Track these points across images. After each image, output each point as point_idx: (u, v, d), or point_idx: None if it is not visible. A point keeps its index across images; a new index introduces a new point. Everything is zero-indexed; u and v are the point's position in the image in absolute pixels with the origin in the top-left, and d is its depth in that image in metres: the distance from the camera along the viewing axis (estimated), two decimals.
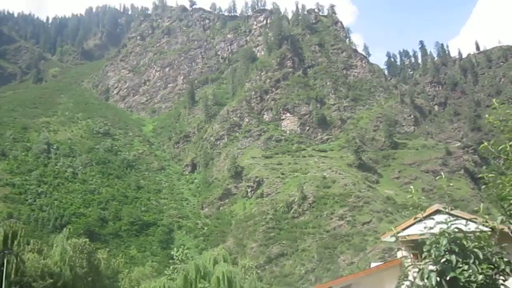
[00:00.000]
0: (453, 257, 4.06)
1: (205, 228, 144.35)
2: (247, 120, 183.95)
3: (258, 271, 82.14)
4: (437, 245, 4.17)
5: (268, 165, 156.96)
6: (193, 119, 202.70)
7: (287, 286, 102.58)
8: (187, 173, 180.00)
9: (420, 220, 4.88)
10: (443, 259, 4.09)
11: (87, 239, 56.63)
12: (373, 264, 36.52)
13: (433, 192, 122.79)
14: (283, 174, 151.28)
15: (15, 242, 39.49)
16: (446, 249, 4.13)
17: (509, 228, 4.72)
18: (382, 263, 38.70)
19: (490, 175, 5.03)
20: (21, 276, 37.77)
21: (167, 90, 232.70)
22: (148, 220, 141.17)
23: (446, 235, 4.25)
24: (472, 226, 4.46)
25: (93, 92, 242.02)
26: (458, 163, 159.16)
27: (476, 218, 4.65)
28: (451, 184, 4.75)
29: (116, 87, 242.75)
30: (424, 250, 4.28)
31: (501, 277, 4.32)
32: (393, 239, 28.16)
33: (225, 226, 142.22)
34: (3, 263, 28.51)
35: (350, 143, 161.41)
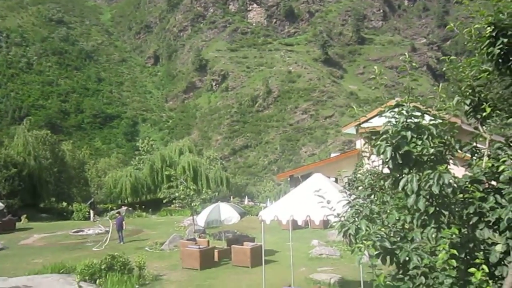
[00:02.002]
0: (409, 133, 4.17)
1: (170, 121, 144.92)
2: (212, 10, 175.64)
3: (223, 162, 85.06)
4: (395, 122, 4.25)
5: (233, 59, 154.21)
6: (154, 8, 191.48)
7: (251, 176, 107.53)
8: (149, 65, 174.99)
9: (380, 113, 4.95)
10: (399, 136, 4.20)
11: (49, 131, 55.87)
12: (333, 155, 38.36)
13: (395, 88, 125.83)
14: (248, 68, 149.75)
15: None
16: (403, 126, 4.22)
17: (461, 120, 4.86)
18: (342, 153, 40.68)
19: (451, 57, 5.03)
20: None
21: None
22: (111, 113, 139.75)
23: (404, 113, 4.32)
24: (428, 118, 4.55)
25: None
26: (422, 60, 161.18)
27: (431, 109, 4.71)
28: (414, 79, 4.71)
29: None
30: (382, 127, 4.38)
31: (450, 153, 4.53)
32: (353, 131, 29.39)
33: (190, 119, 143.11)
34: None
35: (317, 38, 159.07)
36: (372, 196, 4.72)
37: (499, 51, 4.22)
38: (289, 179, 31.46)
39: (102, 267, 13.63)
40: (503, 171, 3.83)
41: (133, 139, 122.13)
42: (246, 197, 56.00)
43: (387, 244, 3.85)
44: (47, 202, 46.90)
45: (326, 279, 13.05)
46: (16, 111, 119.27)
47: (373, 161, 5.28)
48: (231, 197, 49.98)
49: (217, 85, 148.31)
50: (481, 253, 4.11)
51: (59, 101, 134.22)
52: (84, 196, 52.17)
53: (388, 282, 3.39)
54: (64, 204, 46.21)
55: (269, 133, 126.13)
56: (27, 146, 43.73)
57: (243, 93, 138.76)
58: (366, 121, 5.69)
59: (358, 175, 16.61)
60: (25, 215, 34.59)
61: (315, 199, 9.39)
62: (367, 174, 5.38)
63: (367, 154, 5.46)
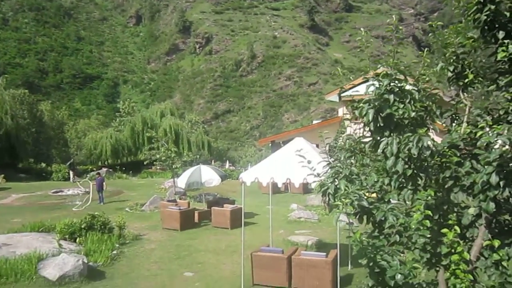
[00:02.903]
0: (391, 96, 4.20)
1: (152, 83, 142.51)
2: None
3: (205, 126, 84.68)
4: (379, 85, 4.27)
5: (218, 21, 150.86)
6: None
7: (232, 140, 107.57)
8: (131, 25, 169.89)
9: (364, 82, 4.95)
10: (382, 99, 4.22)
11: (27, 90, 54.40)
12: (315, 122, 38.54)
13: (380, 58, 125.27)
14: (233, 31, 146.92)
15: None
16: (386, 89, 4.25)
17: (442, 92, 4.89)
18: (323, 120, 40.92)
19: (438, 23, 5.02)
20: None
21: None
22: (91, 73, 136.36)
23: (388, 76, 4.33)
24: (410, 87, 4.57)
25: None
26: (408, 31, 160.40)
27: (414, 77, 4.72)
28: (400, 42, 4.68)
29: None
30: (366, 89, 4.40)
31: (430, 118, 4.60)
32: (336, 98, 29.49)
33: (172, 82, 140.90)
34: None
35: (304, 3, 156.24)
36: (352, 158, 4.79)
37: (485, 17, 4.23)
38: (270, 144, 31.69)
39: (82, 226, 13.66)
40: (480, 137, 3.91)
41: (113, 101, 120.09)
42: (227, 161, 56.19)
43: (364, 203, 3.95)
44: (25, 162, 46.27)
45: (304, 241, 13.38)
46: None
47: (354, 130, 5.34)
48: (212, 161, 50.06)
49: (201, 48, 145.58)
50: (454, 215, 4.26)
51: (36, 59, 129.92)
52: (63, 157, 51.60)
53: (364, 239, 3.50)
54: (43, 164, 45.64)
55: (252, 98, 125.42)
56: (3, 105, 42.62)
57: (227, 57, 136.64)
58: (350, 88, 5.66)
59: (339, 142, 16.86)
60: (2, 175, 34.14)
61: (296, 162, 9.48)
62: (348, 137, 5.43)
63: (348, 119, 5.50)
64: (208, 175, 18.44)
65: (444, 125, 4.93)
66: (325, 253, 9.77)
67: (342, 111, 27.97)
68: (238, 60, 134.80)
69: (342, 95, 27.50)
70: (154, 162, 26.61)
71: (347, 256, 11.04)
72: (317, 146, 14.38)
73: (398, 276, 3.34)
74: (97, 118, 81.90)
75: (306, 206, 20.95)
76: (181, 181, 18.71)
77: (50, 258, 11.02)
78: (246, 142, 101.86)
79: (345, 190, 4.08)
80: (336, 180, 4.31)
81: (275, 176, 9.63)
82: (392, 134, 4.21)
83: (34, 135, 48.20)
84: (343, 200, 3.77)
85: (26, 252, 11.31)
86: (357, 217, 4.05)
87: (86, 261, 10.89)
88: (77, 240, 13.30)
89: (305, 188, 26.33)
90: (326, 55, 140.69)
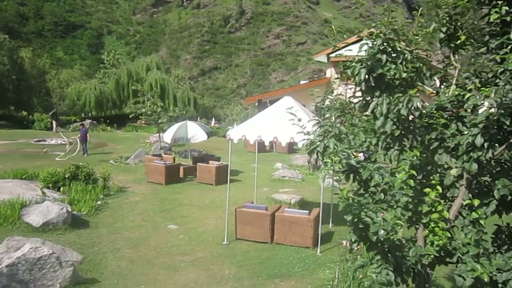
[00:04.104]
0: (384, 56, 4.20)
1: (137, 35, 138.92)
2: None
3: (191, 82, 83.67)
4: (372, 45, 4.26)
5: None
6: None
7: (218, 98, 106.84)
8: None
9: (354, 42, 4.91)
10: (375, 58, 4.22)
11: (7, 36, 52.46)
12: (302, 82, 38.35)
13: (370, 19, 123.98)
14: None
15: None
16: (379, 49, 4.24)
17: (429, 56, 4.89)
18: (311, 81, 40.75)
19: None
20: None
21: None
22: (74, 22, 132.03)
23: (382, 35, 4.32)
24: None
25: None
26: None
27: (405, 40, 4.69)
28: (393, 10, 4.60)
29: None
30: (359, 48, 4.38)
31: (420, 80, 4.64)
32: (325, 59, 29.26)
33: (159, 35, 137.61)
34: None
35: None
36: (342, 118, 4.83)
37: None
38: (257, 103, 31.56)
39: (66, 176, 13.65)
40: (468, 99, 3.97)
41: (97, 52, 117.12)
42: (213, 119, 55.99)
43: (352, 162, 4.03)
44: (5, 110, 45.27)
45: (287, 199, 13.65)
46: None
47: (344, 90, 5.36)
48: (198, 118, 49.83)
49: (188, 1, 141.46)
50: (437, 175, 4.39)
51: (16, 3, 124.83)
52: (45, 106, 50.61)
53: (350, 196, 3.60)
54: (24, 113, 44.79)
55: (239, 56, 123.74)
56: None
57: (215, 12, 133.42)
58: (344, 47, 5.61)
59: (326, 103, 16.85)
60: None
61: (284, 121, 9.54)
62: (337, 97, 5.45)
63: (339, 79, 5.51)
64: (194, 131, 18.43)
65: (433, 87, 4.99)
66: (307, 211, 10.02)
67: (330, 72, 27.83)
68: (227, 15, 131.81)
69: (331, 55, 27.31)
70: (140, 116, 26.36)
71: (328, 214, 11.34)
72: (304, 106, 14.37)
73: (381, 232, 3.47)
74: (80, 68, 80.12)
75: (291, 166, 21.22)
76: (167, 136, 18.67)
77: (34, 205, 11.06)
78: (232, 100, 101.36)
79: (334, 148, 4.15)
80: (325, 138, 4.37)
81: (262, 134, 9.68)
82: (382, 95, 4.25)
83: (15, 82, 46.95)
84: (333, 158, 3.83)
85: (9, 198, 11.29)
86: (345, 175, 4.14)
87: (70, 210, 10.96)
88: (61, 189, 13.31)
89: (290, 148, 26.60)
90: (316, 14, 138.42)
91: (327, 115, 5.08)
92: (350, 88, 5.04)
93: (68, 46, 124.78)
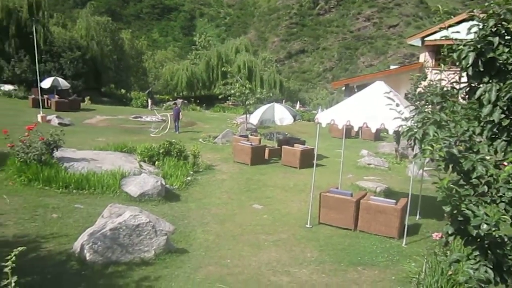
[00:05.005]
0: (496, 39, 3.89)
1: (227, 18, 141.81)
2: None
3: (278, 65, 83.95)
4: (483, 26, 3.97)
5: None
6: None
7: (304, 82, 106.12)
8: None
9: (450, 26, 4.58)
10: (486, 41, 3.94)
11: (110, 18, 56.43)
12: (392, 67, 36.70)
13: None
14: None
15: (40, 13, 39.66)
16: (491, 31, 3.94)
17: None
18: (402, 66, 38.88)
19: None
20: (50, 45, 39.13)
21: None
22: (169, 4, 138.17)
23: (495, 16, 4.00)
24: None
25: None
26: None
27: None
28: None
29: None
30: (468, 30, 4.10)
31: None
32: (419, 42, 27.67)
33: (248, 17, 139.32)
34: (32, 32, 29.11)
35: None
36: (443, 104, 4.58)
37: None
38: (344, 88, 30.85)
39: (160, 151, 14.55)
40: None
41: (189, 34, 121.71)
42: (298, 102, 55.88)
43: (454, 151, 3.82)
44: (107, 87, 49.05)
45: (372, 187, 13.32)
46: None
47: (448, 75, 5.04)
48: (284, 101, 50.05)
49: None
50: None
51: None
52: (141, 85, 54.01)
53: (450, 186, 3.43)
54: (123, 91, 48.19)
55: (327, 39, 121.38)
56: (89, 31, 44.77)
57: None
58: (450, 26, 5.21)
59: (419, 89, 16.02)
60: (88, 97, 36.69)
61: (375, 106, 9.26)
62: (436, 82, 5.16)
63: (443, 64, 5.18)
64: (282, 113, 18.55)
65: None
66: (394, 201, 9.72)
67: (424, 56, 26.30)
68: None
69: (426, 39, 25.75)
70: (228, 97, 27.10)
71: (416, 206, 10.90)
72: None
73: (484, 226, 3.27)
74: (173, 50, 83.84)
75: (377, 153, 20.61)
76: (254, 118, 19.00)
77: (132, 177, 11.97)
78: (318, 84, 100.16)
79: (434, 136, 3.96)
80: (424, 125, 4.18)
81: (351, 119, 9.49)
82: (491, 81, 3.95)
83: (116, 62, 50.55)
84: (434, 145, 3.66)
85: (111, 169, 12.33)
86: (444, 164, 3.94)
87: (163, 183, 11.71)
88: (156, 163, 14.25)
89: (377, 135, 25.80)
90: None
91: (426, 99, 4.85)
92: (453, 73, 4.75)
93: (163, 28, 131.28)
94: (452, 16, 5.34)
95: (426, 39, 25.48)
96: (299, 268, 7.78)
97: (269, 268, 7.68)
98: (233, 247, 8.61)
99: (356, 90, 25.68)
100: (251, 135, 21.60)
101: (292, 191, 13.27)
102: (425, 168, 11.49)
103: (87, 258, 7.04)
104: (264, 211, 11.20)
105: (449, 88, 4.70)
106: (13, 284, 3.65)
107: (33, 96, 29.90)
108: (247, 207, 11.46)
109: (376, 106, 9.18)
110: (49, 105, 29.43)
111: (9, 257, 3.66)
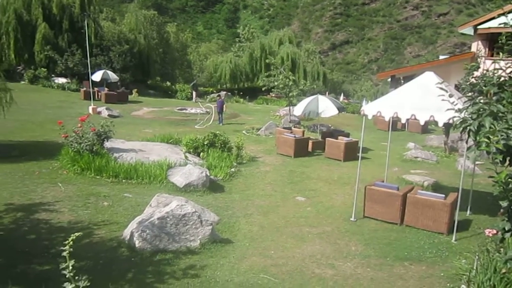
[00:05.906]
0: None
1: (271, 9, 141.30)
2: None
3: (321, 56, 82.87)
4: None
5: None
6: None
7: (348, 73, 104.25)
8: None
9: (504, 14, 4.33)
10: None
11: (156, 12, 57.60)
12: (441, 57, 35.32)
13: None
14: None
15: (91, 8, 41.11)
16: None
17: None
18: (452, 56, 37.32)
19: None
20: (100, 39, 40.54)
21: None
22: None
23: None
24: None
25: None
26: None
27: None
28: None
29: None
30: None
31: None
32: (471, 31, 26.43)
33: (291, 9, 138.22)
34: (83, 26, 30.29)
35: None
36: (500, 95, 4.37)
37: None
38: (389, 79, 30.00)
39: (205, 143, 14.78)
40: None
41: (233, 26, 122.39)
42: (342, 94, 55.02)
43: None
44: (153, 80, 50.25)
45: (420, 181, 12.95)
46: None
47: (496, 68, 4.79)
48: (327, 93, 49.43)
49: None
50: None
51: None
52: (186, 77, 54.91)
53: (508, 180, 3.28)
54: (168, 83, 49.19)
55: (373, 29, 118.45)
56: (137, 25, 45.90)
57: None
58: (503, 14, 4.97)
59: (471, 80, 15.32)
60: (135, 89, 37.77)
61: (423, 98, 8.97)
62: (494, 72, 4.92)
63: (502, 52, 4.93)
64: (325, 105, 18.33)
65: None
66: (443, 195, 9.40)
67: (476, 45, 25.11)
68: None
69: (479, 27, 24.55)
70: (272, 89, 27.08)
71: (466, 201, 10.49)
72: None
73: None
74: (217, 42, 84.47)
75: (424, 147, 20.00)
76: (298, 109, 18.90)
77: (178, 167, 12.25)
78: (362, 76, 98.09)
79: (490, 128, 3.79)
80: (479, 117, 4.01)
81: (399, 111, 9.24)
82: None
83: (161, 55, 51.58)
84: (491, 137, 3.51)
85: (158, 159, 12.68)
86: (501, 158, 3.77)
87: (208, 174, 11.90)
88: (200, 154, 14.49)
89: (425, 128, 24.99)
90: None
91: (479, 90, 4.64)
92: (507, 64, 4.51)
93: (207, 21, 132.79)
94: (510, 2, 5.07)
95: (479, 27, 24.29)
96: (344, 261, 7.71)
97: (313, 260, 7.66)
98: (276, 238, 8.64)
99: (402, 81, 24.94)
100: (294, 127, 21.51)
101: (336, 184, 13.13)
102: (476, 162, 11.02)
103: (137, 246, 7.29)
104: (308, 203, 11.16)
105: (506, 78, 4.48)
106: (70, 267, 3.83)
107: (84, 88, 31.17)
108: (290, 199, 11.46)
109: (425, 98, 8.89)
110: (99, 97, 30.54)
111: (67, 242, 3.85)
